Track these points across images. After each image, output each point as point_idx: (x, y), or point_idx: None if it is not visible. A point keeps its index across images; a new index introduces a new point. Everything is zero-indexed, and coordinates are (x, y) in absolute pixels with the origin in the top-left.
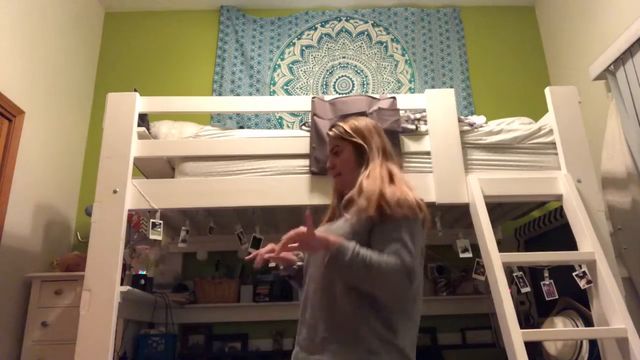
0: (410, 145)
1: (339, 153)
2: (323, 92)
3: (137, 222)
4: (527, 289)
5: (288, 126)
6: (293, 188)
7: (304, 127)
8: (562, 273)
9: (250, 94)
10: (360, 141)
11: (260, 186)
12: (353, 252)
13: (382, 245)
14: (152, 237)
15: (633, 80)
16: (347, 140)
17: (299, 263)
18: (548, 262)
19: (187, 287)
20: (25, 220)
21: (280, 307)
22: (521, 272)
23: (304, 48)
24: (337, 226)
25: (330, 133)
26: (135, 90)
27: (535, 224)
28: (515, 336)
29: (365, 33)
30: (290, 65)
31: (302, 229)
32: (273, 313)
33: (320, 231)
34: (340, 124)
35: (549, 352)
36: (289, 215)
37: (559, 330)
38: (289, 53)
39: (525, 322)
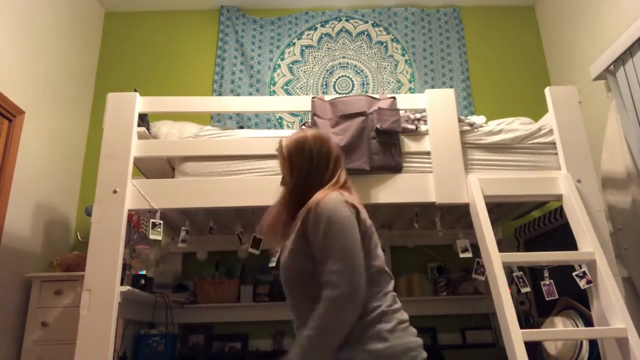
0: (410, 145)
1: (282, 168)
2: (323, 92)
3: (137, 222)
4: (527, 289)
5: (288, 126)
6: None
7: (304, 127)
8: (562, 273)
9: (250, 94)
10: (288, 164)
11: (260, 186)
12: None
13: (319, 269)
14: (152, 237)
15: (633, 80)
16: (282, 157)
17: None
18: (548, 262)
19: (187, 287)
20: (25, 220)
21: (281, 307)
22: (521, 272)
23: (304, 48)
24: (282, 257)
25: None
26: (135, 90)
27: (535, 224)
28: (515, 336)
29: (365, 33)
30: (290, 65)
31: None
32: (273, 313)
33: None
34: (282, 139)
35: (549, 352)
36: None
37: (559, 330)
38: (289, 53)
39: (525, 322)
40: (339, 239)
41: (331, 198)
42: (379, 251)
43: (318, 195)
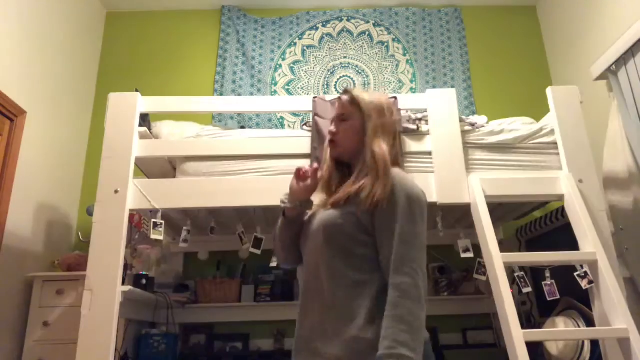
0: (411, 145)
1: (346, 119)
2: (324, 92)
3: (138, 222)
4: (529, 289)
5: (289, 126)
6: None
7: (305, 127)
8: (564, 273)
9: (252, 94)
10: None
11: (261, 186)
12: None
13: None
14: (153, 237)
15: (635, 80)
16: (356, 108)
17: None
18: (549, 262)
19: (189, 287)
20: (26, 220)
21: (282, 307)
22: (522, 272)
23: (305, 48)
24: (326, 215)
25: (344, 97)
26: (137, 90)
27: (537, 224)
28: (517, 336)
29: (367, 33)
30: (292, 65)
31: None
32: (274, 313)
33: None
34: (356, 91)
35: (550, 352)
36: None
37: (561, 330)
38: (290, 53)
39: (527, 322)
40: (421, 225)
41: (413, 182)
42: None
43: (394, 170)
